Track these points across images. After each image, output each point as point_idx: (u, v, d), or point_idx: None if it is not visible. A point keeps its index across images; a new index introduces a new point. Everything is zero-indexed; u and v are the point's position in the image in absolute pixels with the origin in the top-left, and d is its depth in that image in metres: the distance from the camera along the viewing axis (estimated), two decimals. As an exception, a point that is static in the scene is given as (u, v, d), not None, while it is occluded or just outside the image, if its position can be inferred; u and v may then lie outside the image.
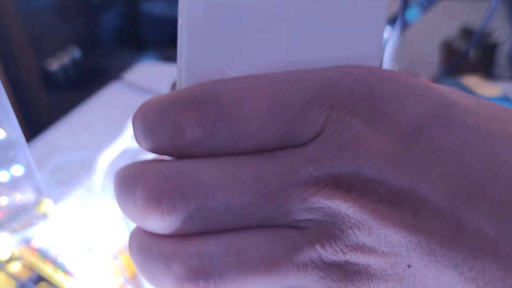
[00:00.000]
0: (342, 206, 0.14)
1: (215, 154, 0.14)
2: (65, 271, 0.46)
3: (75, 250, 0.48)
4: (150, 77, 0.99)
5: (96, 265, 0.47)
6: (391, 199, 0.14)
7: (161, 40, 1.92)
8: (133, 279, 0.47)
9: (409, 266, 0.14)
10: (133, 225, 0.16)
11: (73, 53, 1.34)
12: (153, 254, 0.14)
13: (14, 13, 1.17)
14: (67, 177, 0.66)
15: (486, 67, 1.70)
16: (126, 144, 0.62)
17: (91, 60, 1.46)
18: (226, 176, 0.14)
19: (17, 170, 0.56)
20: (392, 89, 0.15)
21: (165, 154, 0.15)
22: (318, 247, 0.14)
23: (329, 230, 0.14)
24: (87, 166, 0.68)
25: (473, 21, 1.91)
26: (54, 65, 1.29)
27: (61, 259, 0.47)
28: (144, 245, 0.15)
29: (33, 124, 1.20)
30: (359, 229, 0.14)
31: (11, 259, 0.50)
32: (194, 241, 0.14)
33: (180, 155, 0.14)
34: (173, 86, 0.45)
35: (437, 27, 2.12)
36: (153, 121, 0.14)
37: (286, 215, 0.14)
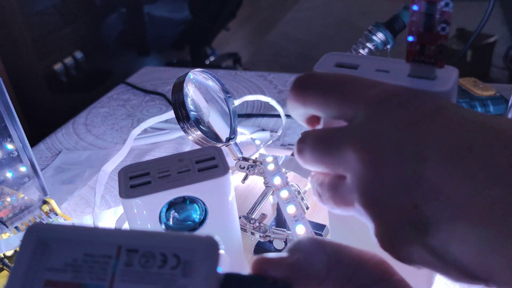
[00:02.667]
0: None
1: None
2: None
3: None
4: (153, 80, 1.00)
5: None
6: None
7: (165, 43, 1.93)
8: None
9: None
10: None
11: (77, 55, 1.35)
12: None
13: (17, 15, 1.18)
14: (71, 177, 0.67)
15: (483, 68, 1.71)
16: (126, 153, 0.63)
17: (95, 62, 1.47)
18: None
19: (21, 170, 0.57)
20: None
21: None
22: None
23: None
24: (90, 166, 0.69)
25: (469, 22, 1.91)
26: (58, 67, 1.31)
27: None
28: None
29: (37, 125, 1.21)
30: None
31: (14, 257, 0.50)
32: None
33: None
34: (174, 87, 0.45)
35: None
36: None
37: None
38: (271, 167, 0.43)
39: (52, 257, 0.17)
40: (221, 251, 0.18)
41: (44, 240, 0.17)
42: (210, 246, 0.17)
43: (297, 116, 0.28)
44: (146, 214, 0.36)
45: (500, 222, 0.19)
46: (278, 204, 0.46)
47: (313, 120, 0.28)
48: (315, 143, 0.25)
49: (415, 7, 0.26)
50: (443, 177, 0.20)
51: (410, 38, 0.26)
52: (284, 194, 0.40)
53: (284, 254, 0.21)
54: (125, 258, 0.17)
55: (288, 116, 0.75)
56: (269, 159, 0.44)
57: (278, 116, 0.73)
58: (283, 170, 0.51)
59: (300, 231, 0.37)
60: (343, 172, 0.24)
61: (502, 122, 0.21)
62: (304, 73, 0.26)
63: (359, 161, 0.22)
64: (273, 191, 0.49)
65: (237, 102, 0.69)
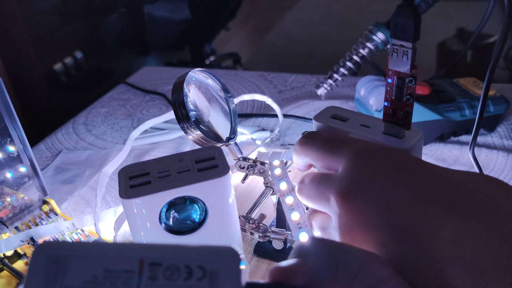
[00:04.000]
0: None
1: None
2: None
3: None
4: (153, 80, 1.00)
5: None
6: None
7: (165, 43, 1.93)
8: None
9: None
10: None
11: (77, 55, 1.35)
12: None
13: (17, 15, 1.18)
14: (71, 177, 0.67)
15: (483, 68, 1.71)
16: (126, 155, 0.63)
17: (95, 62, 1.47)
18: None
19: (21, 170, 0.57)
20: None
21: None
22: None
23: None
24: (91, 166, 0.69)
25: (469, 22, 1.91)
26: (58, 67, 1.31)
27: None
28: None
29: (37, 125, 1.21)
30: None
31: (14, 257, 0.50)
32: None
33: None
34: (174, 87, 0.45)
35: (434, 29, 2.12)
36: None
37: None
38: (277, 171, 0.42)
39: (68, 275, 0.16)
40: (242, 257, 0.18)
41: (56, 258, 0.16)
42: (233, 256, 0.18)
43: (298, 163, 0.35)
44: (146, 214, 0.36)
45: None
46: (278, 204, 0.46)
47: (309, 167, 0.35)
48: (310, 185, 0.31)
49: (389, 80, 0.33)
50: (406, 220, 0.24)
51: (386, 103, 0.34)
52: (289, 200, 0.39)
53: (296, 260, 0.22)
54: (149, 272, 0.16)
55: (285, 115, 0.75)
56: (276, 163, 0.43)
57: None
58: (289, 162, 0.51)
59: (304, 238, 0.37)
60: (329, 213, 0.30)
61: (448, 174, 0.27)
62: (306, 132, 0.34)
63: (337, 206, 0.28)
64: (272, 191, 0.49)
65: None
